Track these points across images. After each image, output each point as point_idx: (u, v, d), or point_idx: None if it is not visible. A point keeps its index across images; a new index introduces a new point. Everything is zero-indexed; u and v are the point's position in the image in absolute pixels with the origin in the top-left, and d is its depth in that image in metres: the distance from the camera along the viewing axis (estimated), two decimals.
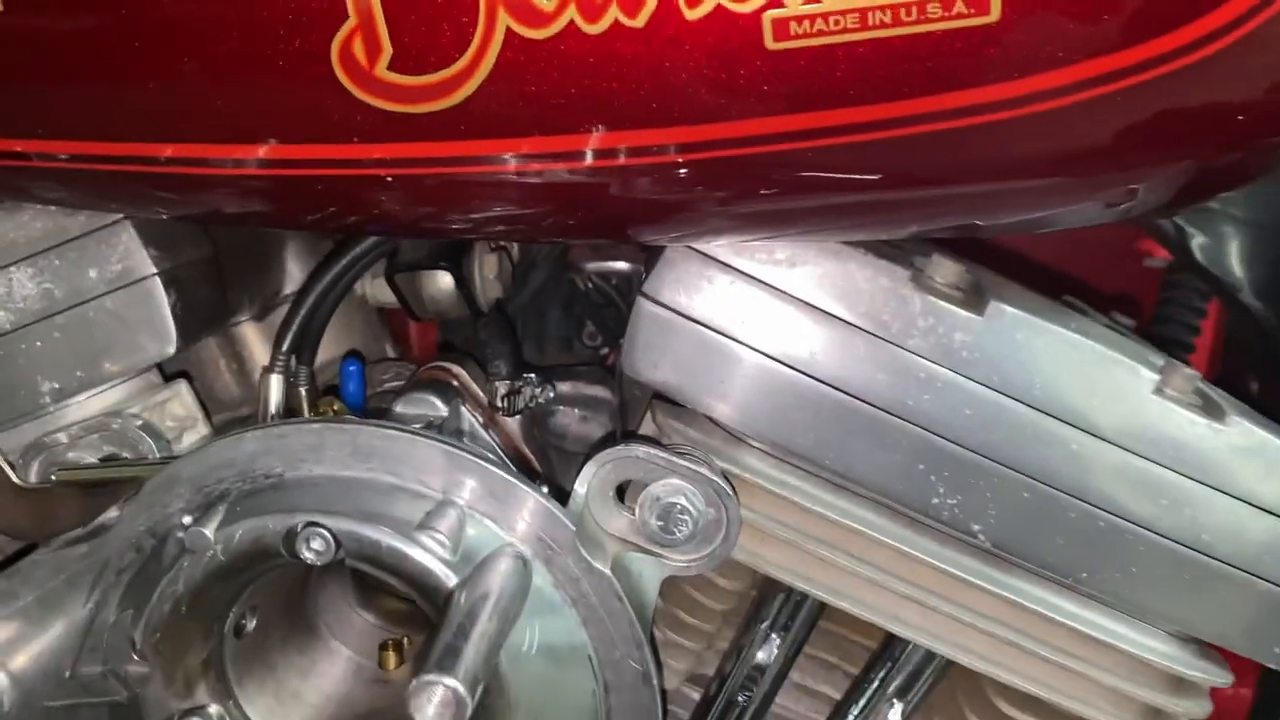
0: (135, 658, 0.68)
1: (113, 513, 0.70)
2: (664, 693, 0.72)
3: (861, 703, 0.84)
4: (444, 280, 0.86)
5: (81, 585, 0.71)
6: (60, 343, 0.78)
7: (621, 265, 1.14)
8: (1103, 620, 0.76)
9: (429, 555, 0.64)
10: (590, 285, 1.11)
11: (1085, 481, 0.72)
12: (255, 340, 0.99)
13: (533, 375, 0.90)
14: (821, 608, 0.85)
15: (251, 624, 0.72)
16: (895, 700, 0.82)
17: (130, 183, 0.64)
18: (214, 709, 0.67)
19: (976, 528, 0.74)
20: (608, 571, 0.68)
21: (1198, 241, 0.94)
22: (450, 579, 0.64)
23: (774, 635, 0.84)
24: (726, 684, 0.86)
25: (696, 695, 0.91)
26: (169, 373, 0.86)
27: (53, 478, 0.72)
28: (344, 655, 0.82)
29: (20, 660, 0.72)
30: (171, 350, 0.79)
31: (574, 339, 1.15)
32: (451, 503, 0.67)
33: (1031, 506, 0.73)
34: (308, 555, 0.63)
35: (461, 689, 0.53)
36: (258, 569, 0.66)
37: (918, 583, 0.76)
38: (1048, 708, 0.80)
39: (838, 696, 0.90)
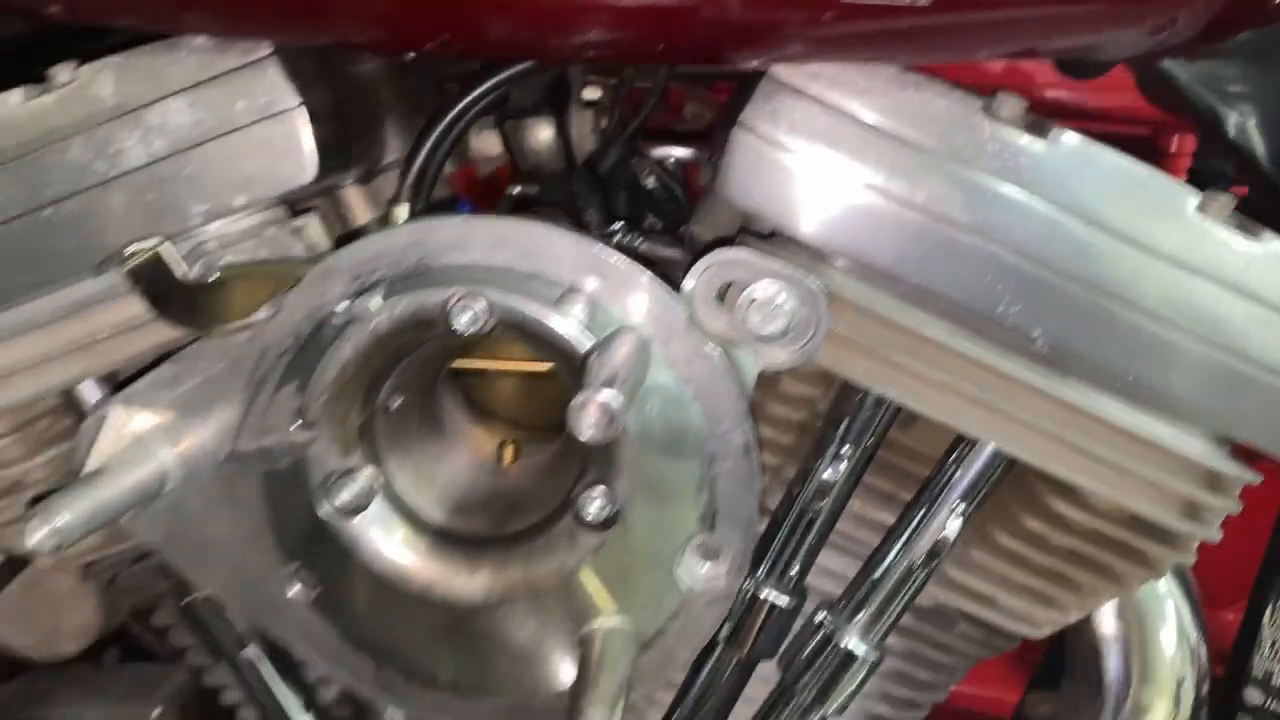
0: (299, 424, 0.76)
1: (272, 304, 0.78)
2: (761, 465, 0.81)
3: (922, 512, 0.93)
4: (546, 130, 0.95)
5: (243, 369, 0.80)
6: (210, 168, 0.86)
7: (684, 151, 1.24)
8: (1148, 421, 0.85)
9: (568, 323, 0.72)
10: (653, 177, 1.19)
11: (1135, 291, 0.81)
12: (359, 204, 1.07)
13: (621, 224, 0.99)
14: (885, 430, 0.94)
15: (396, 404, 0.81)
16: (959, 503, 0.91)
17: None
18: (367, 471, 0.75)
19: (1036, 333, 0.83)
20: (716, 352, 0.77)
21: (1233, 120, 1.03)
22: (585, 344, 0.72)
23: (841, 454, 0.93)
24: (797, 499, 0.94)
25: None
26: None
27: (217, 273, 0.80)
28: (466, 451, 0.91)
29: (186, 442, 0.81)
30: (311, 176, 0.86)
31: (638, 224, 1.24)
32: (580, 289, 0.75)
33: (1086, 313, 0.82)
34: (460, 324, 0.72)
35: (616, 399, 0.62)
36: (411, 342, 0.75)
37: (983, 387, 0.85)
38: (1094, 505, 0.89)
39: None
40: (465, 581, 0.78)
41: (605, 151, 1.02)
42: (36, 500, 0.70)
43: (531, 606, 0.79)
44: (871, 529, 1.01)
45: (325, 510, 0.75)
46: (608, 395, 0.62)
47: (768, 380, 0.88)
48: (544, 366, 0.98)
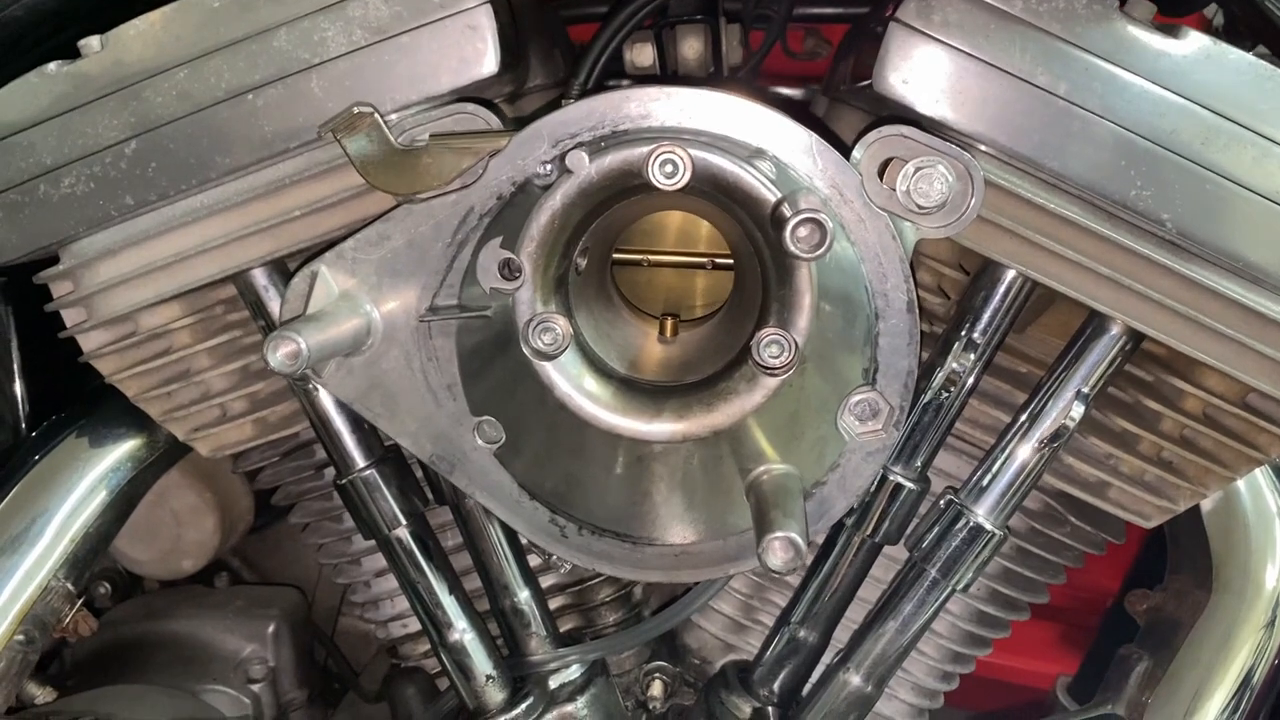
0: (503, 275, 0.83)
1: (474, 170, 0.86)
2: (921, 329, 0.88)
3: (1046, 398, 1.00)
4: (698, 41, 1.03)
5: (446, 229, 0.87)
6: (404, 58, 0.93)
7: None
8: (1267, 301, 0.92)
9: (758, 177, 0.80)
10: None
11: (1257, 178, 0.89)
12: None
13: None
14: (1011, 323, 1.01)
15: (583, 264, 0.88)
16: (1082, 387, 0.98)
17: None
18: (561, 320, 0.82)
19: (1165, 217, 0.90)
20: (884, 216, 0.84)
21: None
22: (773, 197, 0.80)
23: (970, 345, 0.99)
24: (925, 389, 1.01)
25: None
26: None
27: (425, 138, 0.87)
28: (633, 322, 0.98)
29: (389, 300, 0.88)
30: (494, 69, 0.93)
31: None
32: (764, 153, 0.83)
33: (1212, 199, 0.89)
34: (661, 176, 0.79)
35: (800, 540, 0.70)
36: (610, 200, 0.82)
37: (1115, 266, 0.92)
38: (1210, 386, 0.96)
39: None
40: (649, 423, 0.85)
41: (754, 65, 1.10)
42: None
43: (705, 452, 0.86)
44: (986, 430, 1.08)
45: (528, 350, 0.82)
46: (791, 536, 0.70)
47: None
48: (690, 260, 1.06)
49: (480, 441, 0.92)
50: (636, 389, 0.86)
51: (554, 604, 1.23)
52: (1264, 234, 0.90)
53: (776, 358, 0.81)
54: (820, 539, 1.07)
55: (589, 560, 0.95)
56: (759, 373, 0.82)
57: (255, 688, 1.38)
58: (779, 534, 0.75)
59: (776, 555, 0.75)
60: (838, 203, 0.84)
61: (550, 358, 0.83)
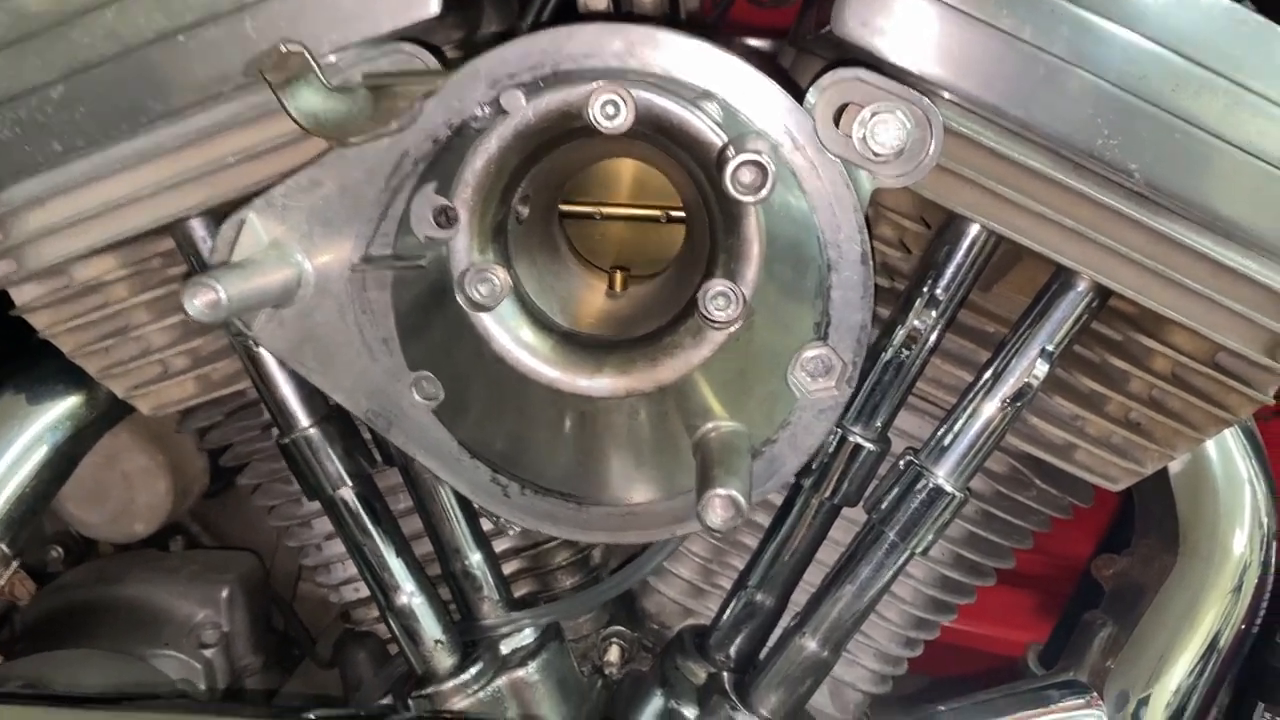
0: (438, 223, 0.80)
1: (409, 113, 0.82)
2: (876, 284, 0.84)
3: (1010, 356, 0.96)
4: None
5: (380, 175, 0.83)
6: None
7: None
8: (1239, 256, 0.89)
9: (705, 120, 0.76)
10: None
11: (1228, 126, 0.85)
12: None
13: None
14: (976, 278, 0.97)
15: (524, 212, 0.84)
16: (1046, 345, 0.95)
17: None
18: (499, 270, 0.78)
19: (1133, 167, 0.86)
20: (837, 163, 0.81)
21: None
22: (719, 139, 0.76)
23: (933, 302, 0.96)
24: (886, 347, 0.97)
25: None
26: None
27: (358, 79, 0.83)
28: (580, 275, 0.94)
29: (321, 249, 0.84)
30: (436, 10, 0.89)
31: None
32: (712, 94, 0.79)
33: (1182, 148, 0.85)
34: (603, 118, 0.75)
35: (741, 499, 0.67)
36: (549, 143, 0.78)
37: (1081, 219, 0.89)
38: (1179, 344, 0.93)
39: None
40: (590, 378, 0.81)
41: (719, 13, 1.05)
42: None
43: (650, 408, 0.82)
44: (948, 390, 1.05)
45: (464, 301, 0.78)
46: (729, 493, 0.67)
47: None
48: (643, 213, 1.02)
49: (418, 397, 0.88)
50: (579, 343, 0.83)
51: (509, 568, 1.21)
52: (1235, 186, 0.86)
53: (723, 310, 0.78)
54: (773, 497, 1.04)
55: (533, 521, 0.92)
56: (705, 326, 0.78)
57: (207, 653, 1.35)
58: (719, 491, 0.71)
59: (716, 513, 0.72)
60: (789, 149, 0.81)
61: (487, 309, 0.79)
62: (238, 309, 0.77)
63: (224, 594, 1.40)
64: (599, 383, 0.81)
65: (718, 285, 0.77)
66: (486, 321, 0.80)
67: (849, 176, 0.83)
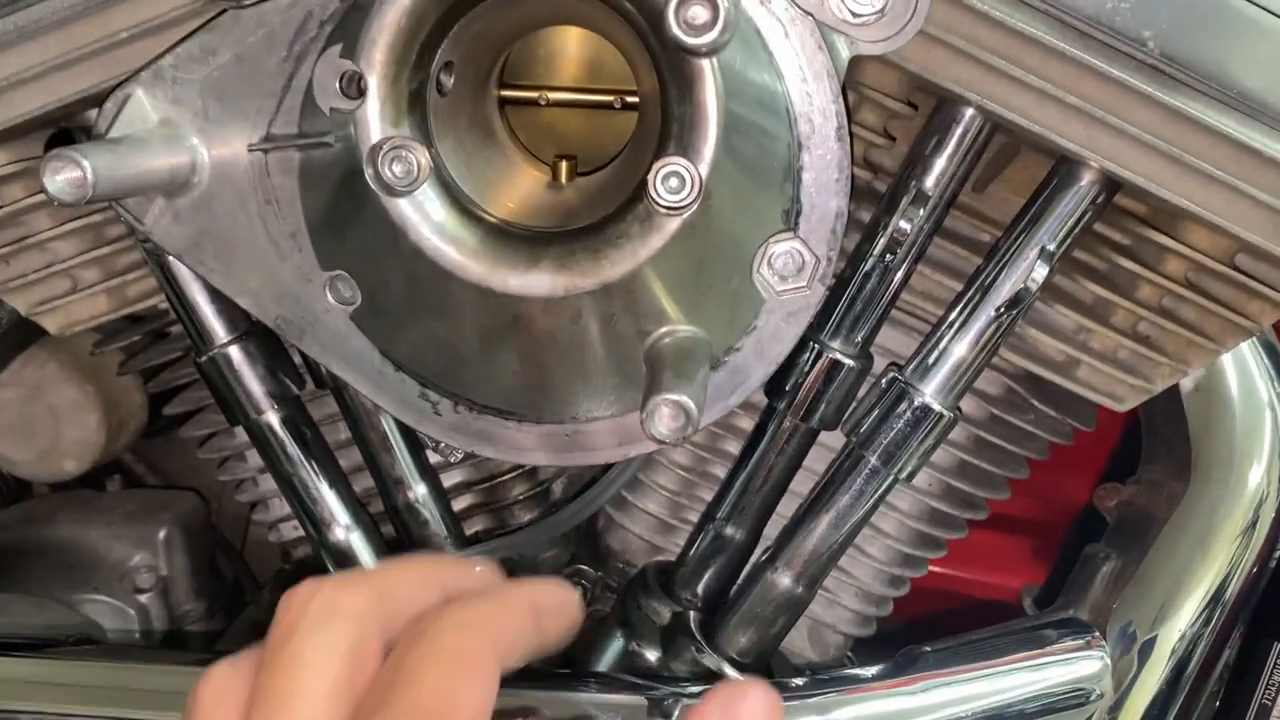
0: (345, 92, 0.69)
1: None
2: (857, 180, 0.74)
3: (1005, 258, 0.86)
4: None
5: (281, 40, 0.72)
6: None
7: None
8: (1264, 137, 0.78)
9: None
10: None
11: None
12: None
13: None
14: (967, 174, 0.87)
15: (449, 84, 0.73)
16: (1047, 245, 0.84)
17: None
18: (419, 149, 0.68)
19: (1147, 34, 0.75)
20: (809, 20, 0.70)
21: None
22: None
23: (920, 199, 0.85)
24: (867, 253, 0.87)
25: None
26: None
27: None
28: (519, 164, 0.83)
29: (218, 129, 0.73)
30: None
31: None
32: None
33: (1203, 12, 0.75)
34: None
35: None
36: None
37: (1088, 96, 0.78)
38: (1195, 242, 0.83)
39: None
40: (523, 274, 0.70)
41: None
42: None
43: (595, 310, 0.72)
44: (936, 303, 0.95)
45: (375, 182, 0.67)
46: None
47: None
48: (594, 98, 0.91)
49: (332, 300, 0.78)
50: (512, 236, 0.72)
51: (460, 504, 1.11)
52: (1262, 55, 0.76)
53: (676, 192, 0.67)
54: (743, 423, 0.94)
55: (466, 441, 0.82)
56: (655, 211, 0.68)
57: (142, 598, 1.26)
58: (667, 396, 0.61)
59: (663, 421, 0.62)
60: (753, 4, 0.69)
61: (402, 193, 0.68)
62: (110, 191, 0.67)
63: (161, 535, 1.30)
64: (534, 280, 0.70)
65: (670, 163, 0.67)
66: (402, 208, 0.69)
67: (824, 41, 0.72)
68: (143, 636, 1.24)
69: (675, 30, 0.56)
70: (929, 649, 0.88)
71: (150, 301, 0.99)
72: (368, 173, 0.68)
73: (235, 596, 1.43)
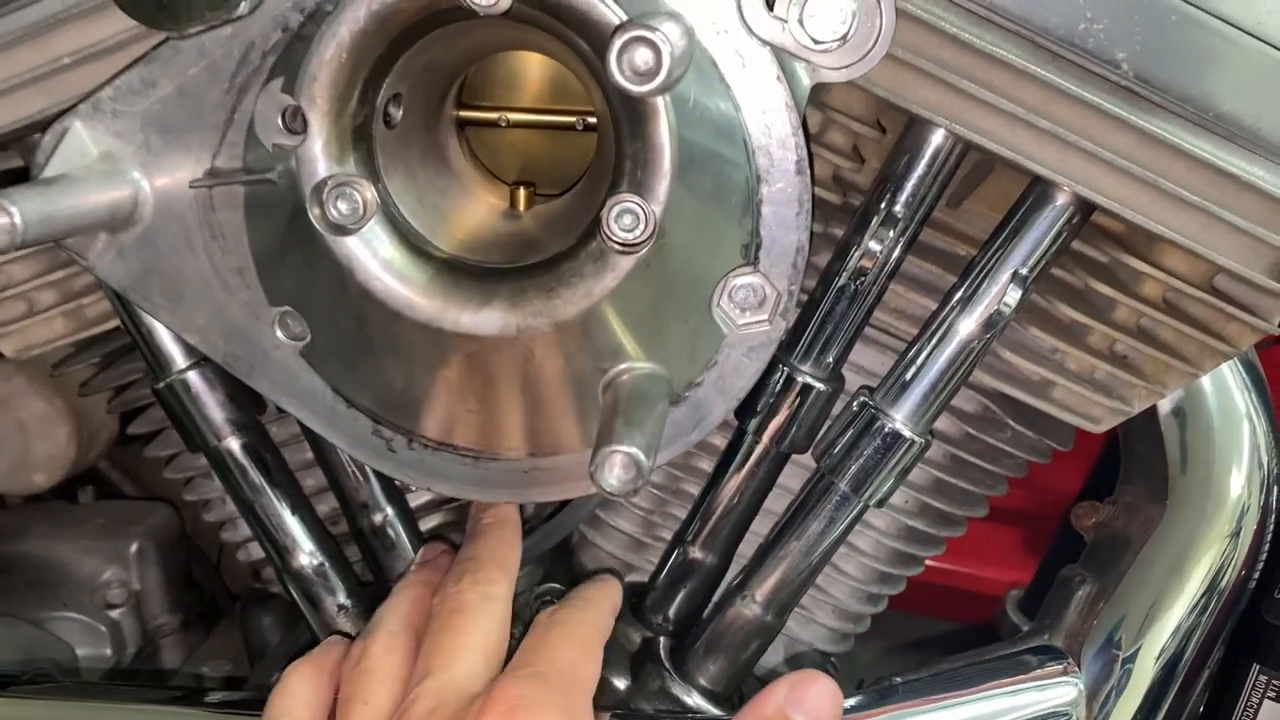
0: (287, 127, 0.66)
1: None
2: (814, 192, 0.71)
3: (977, 281, 0.84)
4: None
5: (223, 72, 0.70)
6: None
7: None
8: (1241, 161, 0.76)
9: None
10: None
11: (1237, 6, 0.72)
12: None
13: None
14: (940, 193, 0.84)
15: (398, 116, 0.71)
16: (1020, 268, 0.82)
17: None
18: (364, 185, 0.65)
19: (1121, 55, 0.73)
20: (766, 51, 0.67)
21: None
22: (616, 17, 0.62)
23: (890, 219, 0.83)
24: (837, 274, 0.85)
25: None
26: None
27: None
28: (474, 192, 0.81)
29: (161, 162, 0.71)
30: None
31: None
32: None
33: (1179, 33, 0.72)
34: None
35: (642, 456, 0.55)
36: (424, 25, 0.64)
37: (1060, 119, 0.75)
38: (1170, 266, 0.81)
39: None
40: (475, 312, 0.68)
41: None
42: None
43: (550, 349, 0.70)
44: (911, 321, 0.93)
45: (319, 222, 0.65)
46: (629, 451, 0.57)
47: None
48: (555, 119, 0.88)
49: (282, 337, 0.76)
50: (464, 272, 0.70)
51: (431, 523, 1.09)
52: (1240, 78, 0.73)
53: (630, 230, 0.65)
54: (716, 441, 0.92)
55: (423, 479, 0.80)
56: (609, 250, 0.66)
57: (114, 614, 1.24)
58: (616, 448, 0.59)
59: (613, 472, 0.60)
60: (710, 34, 0.67)
61: (348, 231, 0.66)
62: (45, 234, 0.64)
63: (133, 549, 1.29)
64: (485, 319, 0.68)
65: (624, 201, 0.64)
66: (349, 246, 0.67)
67: (784, 69, 0.70)
68: (114, 654, 1.23)
69: (619, 79, 0.54)
70: (900, 680, 0.87)
71: (110, 324, 0.97)
72: (312, 212, 0.66)
73: (212, 608, 1.41)
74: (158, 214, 0.72)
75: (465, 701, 0.68)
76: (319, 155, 0.66)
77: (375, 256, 0.68)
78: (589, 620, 0.77)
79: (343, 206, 0.65)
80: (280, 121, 0.67)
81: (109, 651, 1.23)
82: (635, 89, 0.54)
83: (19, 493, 1.34)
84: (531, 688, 0.68)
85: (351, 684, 0.74)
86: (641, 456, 0.59)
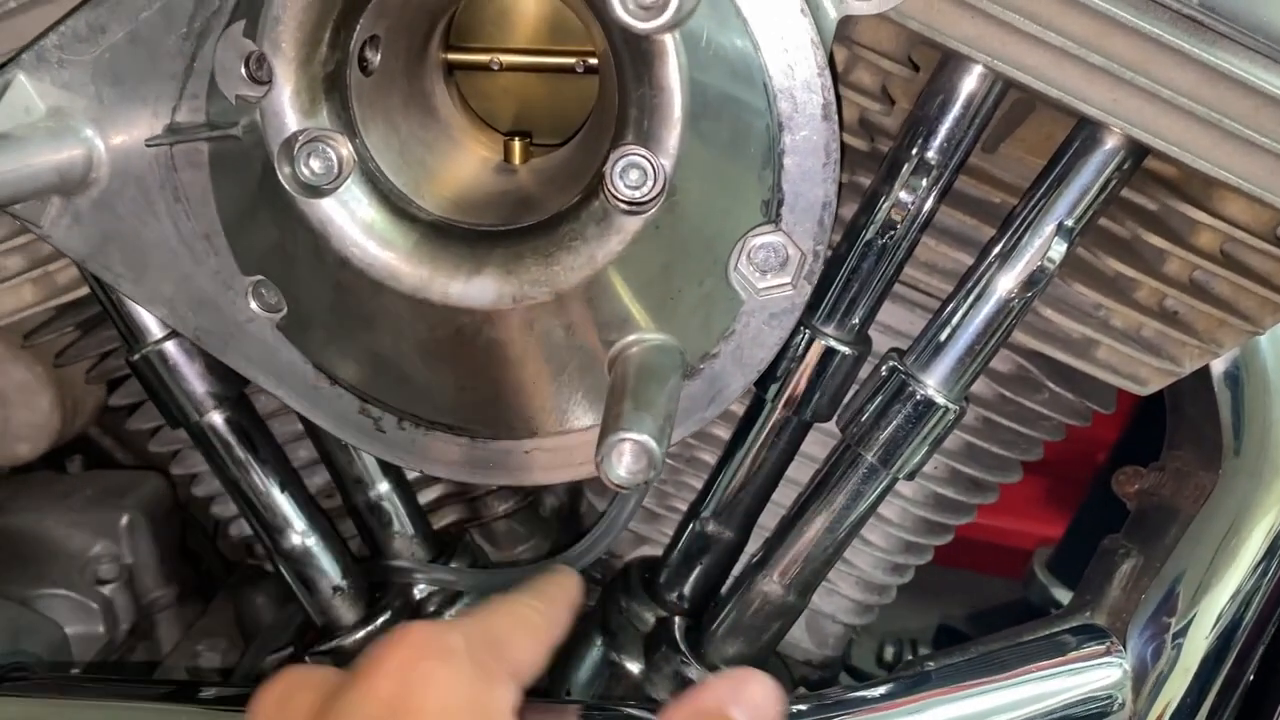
0: (251, 77, 0.59)
1: None
2: (843, 146, 0.64)
3: (1017, 234, 0.76)
4: None
5: (180, 15, 0.62)
6: None
7: None
8: None
9: None
10: None
11: None
12: None
13: None
14: (975, 140, 0.77)
15: (376, 61, 0.63)
16: (1064, 221, 0.75)
17: None
18: (339, 139, 0.58)
19: None
20: None
21: None
22: None
23: (922, 168, 0.76)
24: (864, 229, 0.78)
25: None
26: None
27: None
28: (464, 144, 0.74)
29: (114, 118, 0.64)
30: None
31: None
32: None
33: None
34: None
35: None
36: None
37: (1113, 53, 0.68)
38: (1230, 214, 0.74)
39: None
40: (465, 281, 0.62)
41: None
42: None
43: (551, 320, 0.63)
44: (945, 277, 0.86)
45: (288, 181, 0.58)
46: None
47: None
48: (553, 61, 0.81)
49: (256, 308, 0.69)
50: (451, 236, 0.63)
51: (432, 494, 1.03)
52: None
53: (637, 187, 0.58)
54: (735, 408, 0.85)
55: (414, 461, 0.74)
56: (613, 210, 0.58)
57: (106, 590, 1.19)
58: (623, 435, 0.53)
59: (621, 463, 0.53)
60: None
61: (322, 193, 0.59)
62: None
63: (123, 521, 1.24)
64: (477, 288, 0.62)
65: (629, 154, 0.57)
66: (323, 209, 0.60)
67: (808, 2, 0.62)
68: (106, 632, 1.18)
69: (621, 13, 0.46)
70: (933, 665, 0.81)
71: (82, 290, 0.91)
72: (281, 171, 0.59)
73: (210, 579, 1.37)
74: (115, 175, 0.65)
75: None
76: (287, 107, 0.58)
77: (353, 220, 0.61)
78: (534, 605, 0.62)
79: (315, 165, 0.58)
80: (243, 70, 0.59)
81: (101, 629, 1.18)
82: (640, 25, 0.47)
83: (3, 464, 1.28)
84: (446, 630, 0.55)
85: None
86: (653, 444, 0.53)
